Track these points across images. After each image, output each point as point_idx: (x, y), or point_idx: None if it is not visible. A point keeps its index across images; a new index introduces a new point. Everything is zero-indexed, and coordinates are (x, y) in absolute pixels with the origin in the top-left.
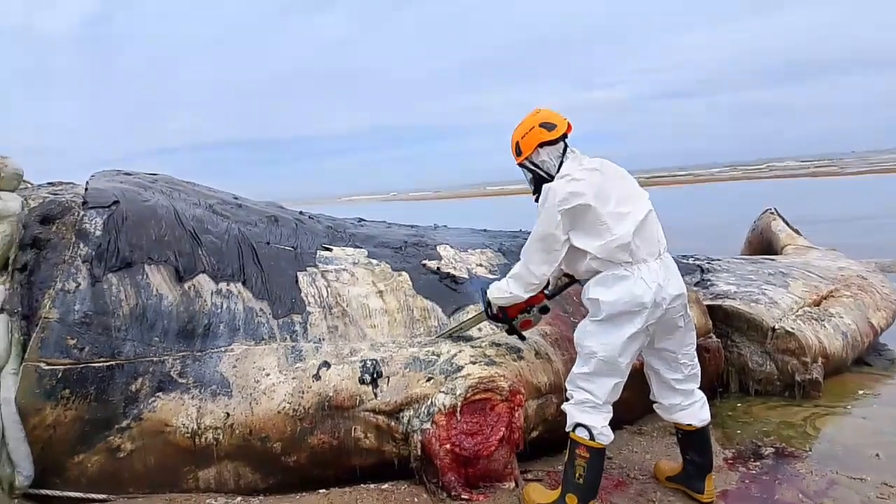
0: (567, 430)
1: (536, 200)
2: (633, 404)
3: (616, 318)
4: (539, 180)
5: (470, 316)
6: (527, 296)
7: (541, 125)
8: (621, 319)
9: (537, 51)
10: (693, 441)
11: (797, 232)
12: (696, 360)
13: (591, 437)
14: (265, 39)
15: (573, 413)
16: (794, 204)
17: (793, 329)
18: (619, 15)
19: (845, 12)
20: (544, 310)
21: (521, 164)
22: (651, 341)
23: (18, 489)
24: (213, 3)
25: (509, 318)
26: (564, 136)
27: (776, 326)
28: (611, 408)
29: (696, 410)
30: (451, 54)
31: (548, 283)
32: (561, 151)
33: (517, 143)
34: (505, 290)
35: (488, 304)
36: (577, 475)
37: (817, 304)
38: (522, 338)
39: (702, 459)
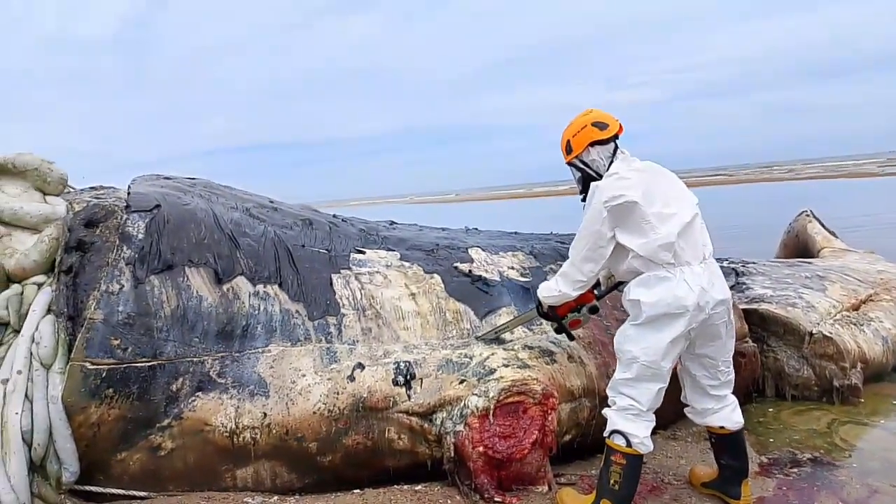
0: (604, 435)
1: (583, 200)
2: (666, 409)
3: (657, 321)
4: (587, 179)
5: (517, 315)
6: (575, 294)
7: (593, 124)
8: (663, 322)
9: (569, 50)
10: (726, 445)
11: (834, 234)
12: (732, 366)
13: (629, 445)
14: (299, 41)
15: (614, 419)
16: (831, 205)
17: (830, 333)
18: (651, 13)
19: (886, 8)
20: (594, 310)
21: (570, 163)
22: (691, 345)
23: (65, 485)
24: (248, 6)
25: (559, 316)
26: (616, 136)
27: (813, 331)
28: (653, 416)
29: (728, 413)
30: (483, 54)
31: (598, 283)
32: (611, 152)
33: (568, 142)
34: (553, 289)
35: (539, 304)
36: (612, 481)
37: (856, 308)
38: (571, 337)
39: (737, 464)
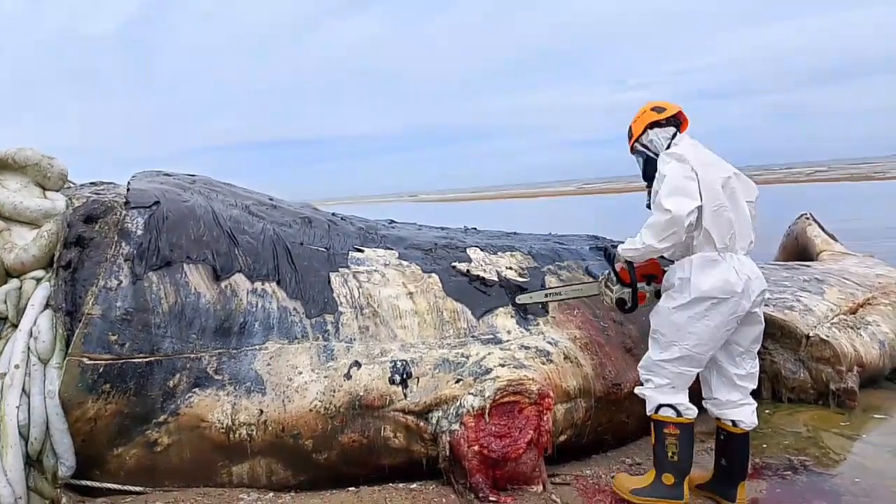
0: (649, 413)
1: (648, 187)
2: None
3: (703, 304)
4: (648, 162)
5: (583, 282)
6: (662, 246)
7: (651, 109)
8: (709, 306)
9: (572, 52)
10: (735, 445)
11: (833, 237)
12: (757, 361)
13: (678, 414)
14: (301, 41)
15: (655, 396)
16: (831, 209)
17: (828, 337)
18: (653, 16)
19: (885, 14)
20: (659, 294)
21: (632, 149)
22: None
23: (61, 479)
24: (250, 6)
25: (635, 280)
26: (676, 122)
27: (811, 334)
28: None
29: (748, 412)
30: (484, 56)
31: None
32: (670, 135)
33: (630, 128)
34: (637, 242)
35: (613, 263)
36: (669, 454)
37: (853, 311)
38: (633, 308)
39: (738, 466)
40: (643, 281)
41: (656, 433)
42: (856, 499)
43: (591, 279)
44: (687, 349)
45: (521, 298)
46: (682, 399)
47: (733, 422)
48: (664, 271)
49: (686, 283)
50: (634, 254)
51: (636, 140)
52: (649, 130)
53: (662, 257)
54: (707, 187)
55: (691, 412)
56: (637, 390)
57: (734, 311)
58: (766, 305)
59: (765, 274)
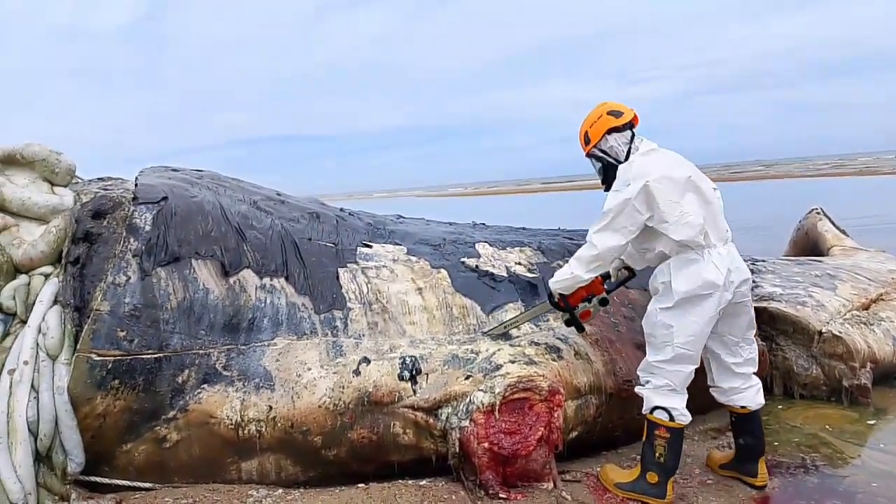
0: (644, 412)
1: (606, 189)
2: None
3: (688, 303)
4: (608, 168)
5: (526, 310)
6: (587, 276)
7: (608, 113)
8: (693, 304)
9: (578, 46)
10: (747, 424)
11: (844, 233)
12: (755, 345)
13: (671, 419)
14: (307, 36)
15: (652, 397)
16: (841, 203)
17: (840, 333)
18: (660, 9)
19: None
20: (604, 302)
21: (589, 154)
22: (714, 326)
23: (70, 475)
24: (257, 1)
25: (570, 306)
26: (631, 125)
27: (823, 330)
28: (686, 390)
29: (752, 394)
30: (491, 50)
31: (608, 276)
32: (628, 139)
33: (586, 133)
34: (566, 273)
35: (550, 294)
36: (657, 454)
37: (866, 307)
38: (581, 328)
39: (755, 442)
40: (583, 301)
41: (648, 432)
42: (873, 498)
43: (544, 303)
44: (679, 348)
45: (491, 331)
46: (678, 403)
47: (742, 405)
48: (605, 288)
49: (668, 286)
50: (564, 285)
51: (595, 146)
52: (608, 136)
53: (629, 269)
54: (665, 202)
55: (684, 418)
56: (637, 389)
57: (717, 305)
58: (777, 301)
59: (776, 269)
